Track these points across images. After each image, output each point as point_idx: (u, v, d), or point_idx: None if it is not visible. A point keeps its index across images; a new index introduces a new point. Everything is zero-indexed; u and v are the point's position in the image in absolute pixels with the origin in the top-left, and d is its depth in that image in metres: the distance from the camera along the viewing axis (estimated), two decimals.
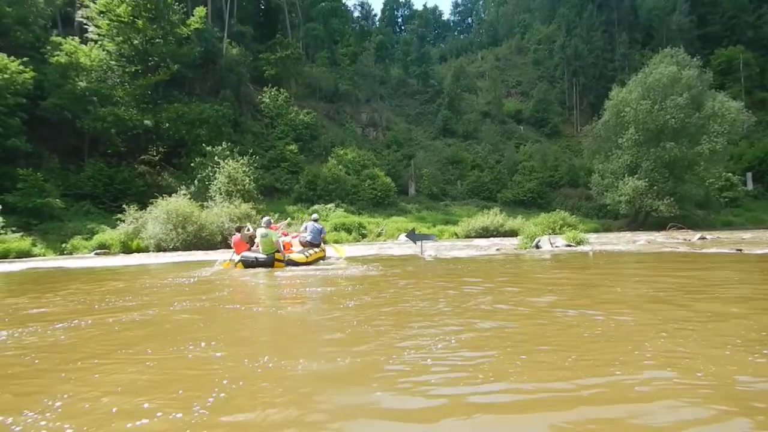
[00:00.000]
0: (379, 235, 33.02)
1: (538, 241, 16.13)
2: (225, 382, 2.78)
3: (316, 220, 12.71)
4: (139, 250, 24.43)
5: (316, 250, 11.92)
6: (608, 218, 44.52)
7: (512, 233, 31.57)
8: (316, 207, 35.30)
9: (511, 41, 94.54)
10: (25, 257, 21.69)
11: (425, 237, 15.79)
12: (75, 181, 30.07)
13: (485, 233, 32.65)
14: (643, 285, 6.47)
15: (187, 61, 38.13)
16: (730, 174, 44.98)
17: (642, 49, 73.47)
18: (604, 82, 63.03)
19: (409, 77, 74.46)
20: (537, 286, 6.70)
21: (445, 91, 66.96)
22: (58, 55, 31.26)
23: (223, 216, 26.30)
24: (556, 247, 15.43)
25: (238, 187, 29.82)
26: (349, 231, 32.08)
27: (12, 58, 28.05)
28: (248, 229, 12.79)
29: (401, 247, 21.14)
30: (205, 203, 27.77)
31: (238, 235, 12.28)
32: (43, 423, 2.31)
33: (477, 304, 5.13)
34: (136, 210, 25.63)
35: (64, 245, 23.93)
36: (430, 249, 16.06)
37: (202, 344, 3.70)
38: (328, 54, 60.09)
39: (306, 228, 12.45)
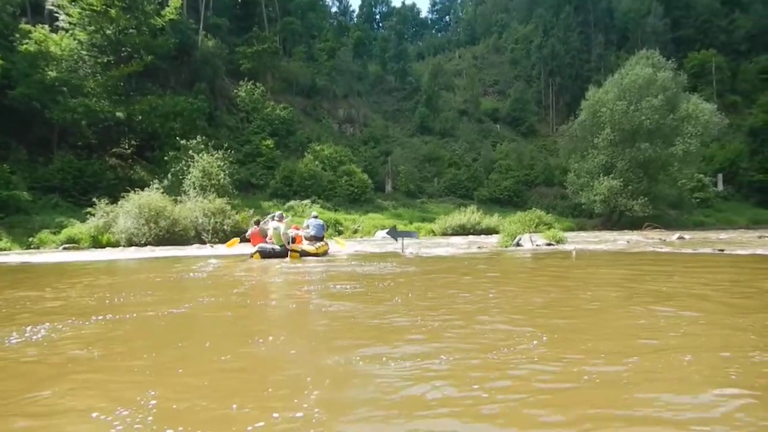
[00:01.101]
0: (356, 231, 32.93)
1: (519, 240, 16.27)
2: (311, 380, 2.74)
3: (316, 217, 14.22)
4: (109, 244, 23.87)
5: (321, 243, 13.32)
6: (583, 217, 45.22)
7: (489, 231, 31.90)
8: (292, 203, 35.07)
9: (488, 40, 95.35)
10: None
11: (407, 234, 15.79)
12: (43, 173, 29.24)
13: (462, 231, 32.81)
14: (675, 282, 6.56)
15: (162, 53, 37.33)
16: (701, 175, 46.13)
17: (617, 50, 74.85)
18: (580, 83, 64.05)
19: (386, 74, 74.46)
20: (573, 283, 6.77)
21: (422, 89, 67.19)
22: (27, 44, 30.25)
23: (197, 211, 25.88)
24: (536, 245, 15.59)
25: (213, 181, 29.38)
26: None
27: None
28: (266, 222, 13.68)
29: (379, 244, 21.13)
30: (178, 198, 27.27)
31: (256, 228, 13.38)
32: (139, 426, 2.20)
33: (526, 302, 5.18)
34: (107, 204, 25.01)
35: (30, 239, 23.26)
36: (410, 247, 16.03)
37: (269, 338, 3.73)
38: (306, 49, 59.66)
39: (309, 225, 13.84)
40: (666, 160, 37.81)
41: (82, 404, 2.50)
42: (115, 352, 3.51)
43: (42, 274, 10.46)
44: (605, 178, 38.90)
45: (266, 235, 13.05)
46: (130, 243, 23.57)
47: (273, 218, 13.18)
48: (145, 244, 23.20)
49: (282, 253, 12.14)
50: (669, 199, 40.55)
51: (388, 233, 16.34)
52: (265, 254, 12.08)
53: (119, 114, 33.39)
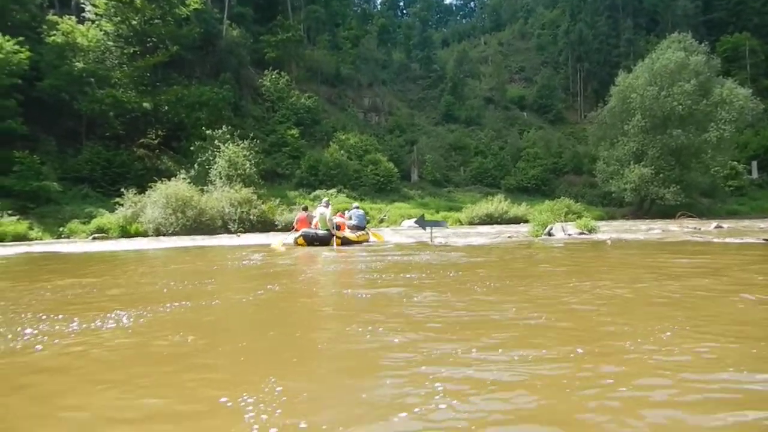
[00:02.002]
0: (382, 221, 32.58)
1: (551, 229, 15.67)
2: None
3: (358, 207, 15.00)
4: (138, 234, 23.96)
5: (362, 232, 13.85)
6: (612, 206, 44.07)
7: (516, 220, 31.32)
8: (317, 193, 34.81)
9: (514, 26, 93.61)
10: (22, 241, 21.23)
11: (436, 223, 15.36)
12: (72, 164, 29.51)
13: (489, 220, 32.24)
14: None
15: (187, 43, 37.35)
16: (735, 162, 44.47)
17: (647, 35, 72.46)
18: (609, 68, 62.25)
19: (411, 62, 73.60)
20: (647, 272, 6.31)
21: (447, 77, 66.16)
22: (54, 35, 30.49)
23: (224, 201, 25.85)
24: (569, 235, 14.97)
25: (239, 171, 29.30)
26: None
27: (7, 37, 27.32)
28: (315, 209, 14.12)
29: (406, 233, 20.66)
30: (205, 188, 27.30)
31: (303, 213, 14.06)
32: (265, 417, 2.01)
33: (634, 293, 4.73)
34: (135, 194, 25.12)
35: (61, 229, 23.48)
36: (438, 236, 15.55)
37: (379, 329, 3.42)
38: (330, 37, 59.18)
39: (351, 215, 14.47)
40: (699, 147, 36.41)
41: (208, 392, 2.38)
42: (217, 339, 3.47)
43: (89, 263, 10.37)
44: (636, 165, 37.66)
45: (311, 222, 13.41)
46: (158, 233, 23.65)
47: (323, 203, 13.57)
48: (173, 234, 23.22)
49: (325, 239, 12.42)
50: (701, 188, 39.20)
51: (416, 222, 15.88)
52: (309, 239, 12.44)
53: (146, 104, 33.55)
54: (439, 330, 3.40)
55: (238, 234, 23.14)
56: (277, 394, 2.24)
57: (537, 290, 4.95)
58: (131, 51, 34.46)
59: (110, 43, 33.93)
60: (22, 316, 4.20)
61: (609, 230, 17.88)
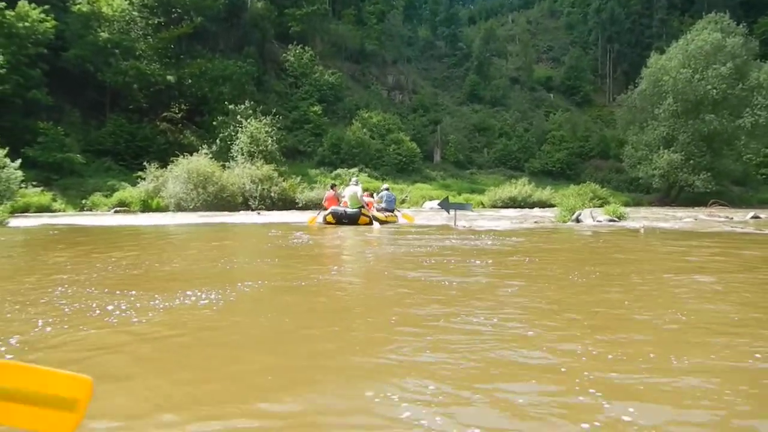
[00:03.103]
0: (403, 202, 32.19)
1: (579, 215, 15.12)
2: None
3: (388, 189, 15.18)
4: (158, 209, 23.95)
5: (389, 214, 13.92)
6: (639, 192, 43.10)
7: (540, 204, 30.83)
8: (339, 171, 34.50)
9: (543, 3, 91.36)
10: (45, 212, 21.33)
11: (460, 206, 14.92)
12: (96, 136, 29.58)
13: (512, 204, 31.73)
14: None
15: (211, 14, 37.01)
16: None
17: (681, 15, 69.73)
18: (640, 50, 60.26)
19: (437, 39, 72.22)
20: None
21: (473, 55, 64.78)
22: (80, 4, 30.37)
23: (245, 177, 25.67)
24: (598, 221, 14.42)
25: (260, 147, 29.04)
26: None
27: (33, 5, 27.21)
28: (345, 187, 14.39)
29: (426, 215, 20.19)
30: (226, 163, 27.14)
31: (332, 192, 14.16)
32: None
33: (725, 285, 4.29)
34: (157, 168, 25.06)
35: (84, 201, 23.58)
36: (462, 219, 15.06)
37: (493, 319, 3.05)
38: (355, 11, 58.12)
39: (382, 197, 14.60)
40: (732, 133, 35.22)
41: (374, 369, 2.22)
42: (333, 318, 3.23)
43: (124, 237, 10.27)
44: (665, 151, 36.60)
45: (339, 201, 13.55)
46: (179, 208, 23.58)
47: (352, 182, 13.69)
48: (193, 210, 23.10)
49: (354, 217, 12.46)
50: (733, 175, 38.23)
51: (439, 205, 15.47)
52: (338, 216, 12.43)
53: (170, 77, 33.36)
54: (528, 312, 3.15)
55: (259, 212, 22.93)
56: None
57: (635, 284, 4.43)
58: (156, 21, 34.24)
59: (135, 12, 33.71)
60: (90, 290, 3.96)
61: (638, 217, 17.23)
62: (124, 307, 3.34)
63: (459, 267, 5.33)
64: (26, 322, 3.02)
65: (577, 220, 14.80)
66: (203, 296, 3.68)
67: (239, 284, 4.19)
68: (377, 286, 4.46)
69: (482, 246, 7.64)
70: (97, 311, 3.25)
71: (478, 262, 5.64)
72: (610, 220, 14.83)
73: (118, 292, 3.87)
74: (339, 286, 4.43)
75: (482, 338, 2.62)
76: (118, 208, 23.14)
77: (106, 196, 24.16)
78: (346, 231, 11.06)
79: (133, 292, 3.84)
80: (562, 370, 2.15)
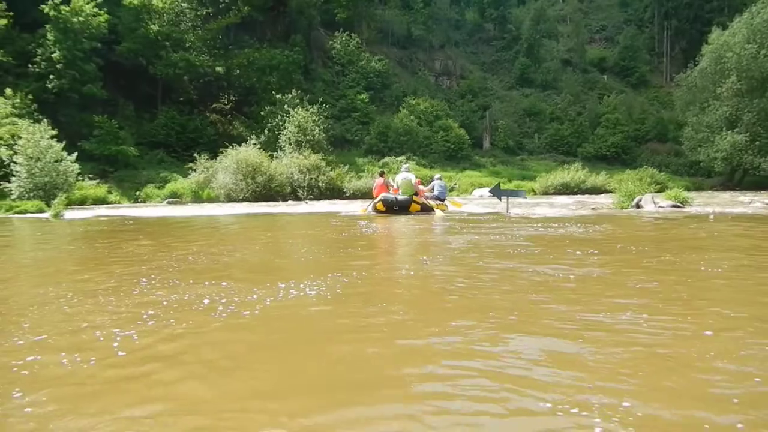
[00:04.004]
0: (452, 189, 31.46)
1: (639, 200, 14.12)
2: None
3: (440, 178, 14.81)
4: (209, 199, 24.15)
5: (440, 203, 13.54)
6: (699, 176, 40.94)
7: (595, 191, 29.67)
8: (386, 159, 34.04)
9: None
10: (101, 204, 21.80)
11: (513, 193, 14.23)
12: (149, 129, 30.18)
13: (565, 190, 30.63)
14: None
15: (258, 4, 37.05)
16: None
17: None
18: (700, 26, 56.66)
19: (485, 22, 70.30)
20: None
21: (523, 37, 62.63)
22: None
23: (293, 167, 25.57)
24: (660, 207, 13.40)
25: (308, 137, 28.91)
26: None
27: (86, 0, 27.78)
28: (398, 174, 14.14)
29: (478, 203, 19.44)
30: (274, 153, 27.12)
31: (381, 179, 13.72)
32: None
33: None
34: (207, 159, 25.28)
35: (138, 193, 24.02)
36: (515, 207, 14.31)
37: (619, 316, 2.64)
38: None
39: (434, 186, 14.35)
40: None
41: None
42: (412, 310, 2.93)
43: (188, 229, 10.21)
44: (728, 132, 34.42)
45: (388, 188, 13.28)
46: (229, 198, 23.71)
47: (403, 169, 13.31)
48: (243, 200, 23.17)
49: (405, 204, 12.15)
50: None
51: (491, 192, 14.84)
52: (388, 204, 12.09)
53: (218, 68, 33.65)
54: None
55: (307, 201, 22.76)
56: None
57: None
58: (204, 12, 34.50)
59: (184, 4, 34.07)
60: (180, 282, 3.75)
61: (701, 203, 16.01)
62: (224, 301, 3.12)
63: (554, 257, 4.76)
64: (128, 314, 2.85)
65: (638, 206, 13.84)
66: (305, 288, 3.44)
67: (331, 275, 3.91)
68: (486, 279, 3.88)
69: (556, 234, 6.94)
70: (202, 302, 3.09)
71: (577, 252, 4.96)
72: (674, 206, 13.80)
73: (207, 282, 3.70)
74: (443, 277, 3.96)
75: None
76: (171, 200, 23.46)
77: (159, 188, 24.57)
78: (408, 219, 10.63)
79: (224, 283, 3.66)
80: None
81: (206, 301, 3.08)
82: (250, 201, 22.83)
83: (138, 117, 30.71)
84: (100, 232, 9.57)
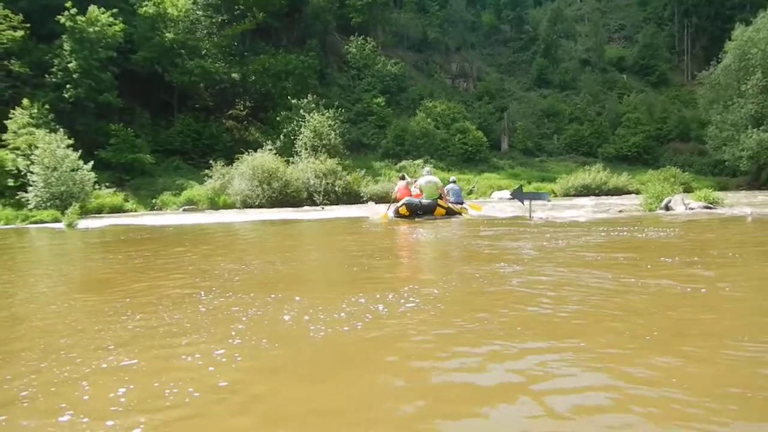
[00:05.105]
0: (470, 192, 30.96)
1: (668, 202, 13.47)
2: None
3: (454, 182, 14.63)
4: (225, 206, 23.96)
5: (459, 206, 13.22)
6: (724, 176, 39.85)
7: (616, 192, 29.21)
8: (404, 163, 33.61)
9: None
10: (118, 212, 21.71)
11: (536, 195, 13.58)
12: (165, 136, 30.22)
13: (586, 191, 30.01)
14: None
15: (273, 10, 37.08)
16: None
17: None
18: (721, 23, 55.46)
19: (501, 23, 69.74)
20: None
21: (540, 38, 61.98)
22: (146, 6, 30.94)
23: (309, 172, 25.30)
24: (690, 209, 12.73)
25: (324, 141, 28.64)
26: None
27: (102, 9, 27.89)
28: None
29: (496, 206, 18.83)
30: (290, 159, 26.88)
31: (403, 183, 13.42)
32: None
33: None
34: (223, 166, 25.14)
35: (154, 201, 23.93)
36: (538, 210, 13.73)
37: None
38: None
39: (449, 190, 13.65)
40: None
41: None
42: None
43: (211, 237, 9.97)
44: (754, 130, 33.56)
45: (409, 192, 12.92)
46: (245, 204, 23.51)
47: (425, 172, 12.97)
48: (259, 206, 22.92)
49: (429, 207, 11.78)
50: None
51: (512, 194, 14.39)
52: (412, 208, 11.75)
53: (234, 75, 33.64)
54: None
55: (323, 206, 22.40)
56: None
57: None
58: (219, 19, 34.55)
59: (199, 12, 34.15)
60: (236, 295, 3.45)
61: (735, 203, 15.28)
62: (295, 313, 2.88)
63: (651, 266, 4.25)
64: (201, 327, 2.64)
65: (667, 208, 13.18)
66: (374, 300, 3.13)
67: (393, 286, 3.65)
68: (598, 293, 3.34)
69: (597, 241, 6.35)
70: (266, 316, 2.84)
71: (667, 260, 4.40)
72: (705, 207, 13.13)
73: (269, 296, 3.40)
74: (549, 289, 3.44)
75: None
76: (187, 207, 23.32)
77: (175, 195, 24.47)
78: (440, 224, 10.29)
79: (280, 295, 3.42)
80: None
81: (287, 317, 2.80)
82: (266, 207, 22.55)
83: (154, 125, 30.76)
84: (116, 243, 9.20)
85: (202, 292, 3.52)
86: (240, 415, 1.62)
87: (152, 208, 23.44)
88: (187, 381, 1.88)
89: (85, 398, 1.77)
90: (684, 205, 13.26)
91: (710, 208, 13.16)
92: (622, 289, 3.32)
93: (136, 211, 22.73)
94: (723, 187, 35.16)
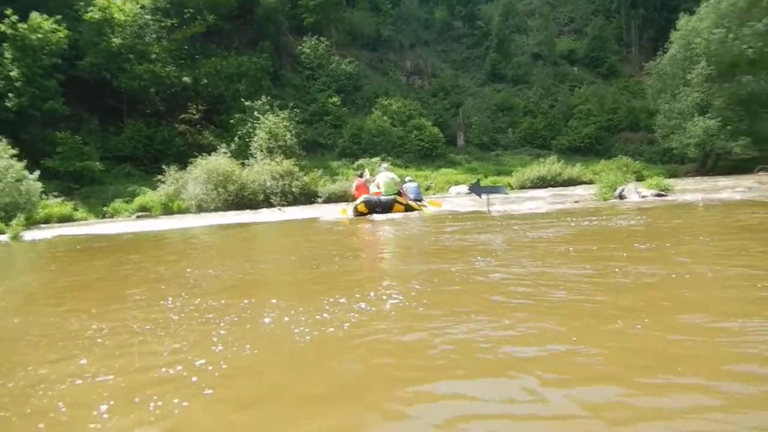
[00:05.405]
0: (428, 189, 31.37)
1: (622, 191, 14.03)
2: None
3: (411, 180, 14.46)
4: (180, 211, 23.70)
5: (418, 203, 13.17)
6: (673, 163, 41.35)
7: (571, 182, 29.98)
8: (361, 161, 33.81)
9: None
10: (67, 222, 21.25)
11: (493, 189, 13.84)
12: (115, 143, 29.64)
13: (541, 183, 30.77)
14: None
15: (224, 12, 36.69)
16: None
17: None
18: (667, 13, 57.21)
19: (454, 19, 70.48)
20: None
21: (492, 33, 62.88)
22: (91, 12, 30.26)
23: (265, 174, 25.24)
24: (643, 197, 13.32)
25: (280, 142, 28.59)
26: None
27: (45, 16, 27.19)
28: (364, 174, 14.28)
29: (454, 201, 19.24)
30: (246, 161, 26.76)
31: (361, 180, 13.49)
32: None
33: None
34: (176, 170, 24.86)
35: (105, 209, 23.51)
36: (495, 204, 14.03)
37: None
38: None
39: (407, 189, 13.55)
40: None
41: None
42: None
43: (170, 244, 9.69)
44: (700, 118, 34.70)
45: (367, 189, 12.98)
46: (200, 209, 23.30)
47: (382, 168, 13.26)
48: (215, 210, 22.77)
49: (388, 204, 11.76)
50: None
51: (470, 189, 14.47)
52: (371, 205, 11.69)
53: (185, 79, 33.18)
54: None
55: (280, 208, 22.41)
56: None
57: None
58: (169, 23, 34.02)
59: (147, 16, 33.53)
60: (207, 301, 3.35)
61: (682, 189, 15.99)
62: (287, 319, 2.76)
63: (627, 254, 4.31)
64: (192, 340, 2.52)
65: (621, 197, 13.74)
66: (355, 299, 3.10)
67: (372, 285, 3.64)
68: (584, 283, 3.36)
69: (565, 232, 6.42)
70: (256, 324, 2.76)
71: (641, 246, 4.62)
72: (657, 195, 13.74)
73: (242, 301, 3.34)
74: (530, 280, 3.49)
75: None
76: (140, 213, 22.98)
77: (127, 202, 24.09)
78: (404, 220, 10.17)
79: (253, 300, 3.36)
80: None
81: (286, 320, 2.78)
82: (222, 211, 22.41)
83: (103, 131, 30.15)
84: (72, 253, 9.05)
85: (170, 299, 3.44)
86: (230, 424, 1.59)
87: (104, 216, 23.01)
88: (172, 392, 1.80)
89: (63, 419, 1.67)
90: (637, 193, 13.84)
91: (662, 195, 13.77)
92: (606, 280, 3.38)
93: (86, 219, 22.29)
94: (672, 175, 36.36)
